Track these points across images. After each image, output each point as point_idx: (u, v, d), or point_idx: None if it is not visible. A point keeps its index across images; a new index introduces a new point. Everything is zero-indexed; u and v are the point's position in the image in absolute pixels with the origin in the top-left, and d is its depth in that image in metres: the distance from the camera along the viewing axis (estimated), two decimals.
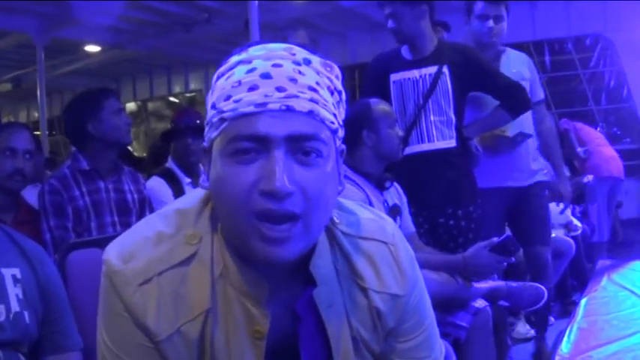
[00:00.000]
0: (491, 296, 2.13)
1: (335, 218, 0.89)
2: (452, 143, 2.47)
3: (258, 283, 0.82)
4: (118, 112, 2.33)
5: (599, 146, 5.19)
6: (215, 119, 0.80)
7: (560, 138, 4.18)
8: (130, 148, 4.92)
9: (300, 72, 0.79)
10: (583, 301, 1.84)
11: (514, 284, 2.19)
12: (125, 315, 0.81)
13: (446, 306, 1.94)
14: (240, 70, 0.79)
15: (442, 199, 2.44)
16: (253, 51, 0.81)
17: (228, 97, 0.78)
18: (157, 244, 0.83)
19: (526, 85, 2.69)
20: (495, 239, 2.01)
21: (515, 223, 2.84)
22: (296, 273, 0.85)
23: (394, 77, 2.53)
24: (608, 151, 5.19)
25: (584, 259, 4.19)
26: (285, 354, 0.87)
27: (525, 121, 2.71)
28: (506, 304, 2.19)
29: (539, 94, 2.90)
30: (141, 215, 2.34)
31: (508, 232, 2.76)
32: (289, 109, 0.77)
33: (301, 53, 0.81)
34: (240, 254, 0.82)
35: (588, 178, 4.83)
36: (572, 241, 3.68)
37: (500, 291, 2.15)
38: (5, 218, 2.10)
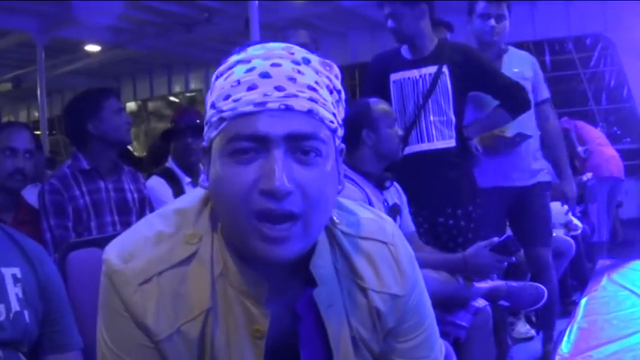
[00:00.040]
0: (491, 296, 2.13)
1: (335, 218, 0.89)
2: (451, 143, 2.47)
3: (258, 282, 0.82)
4: (118, 111, 2.33)
5: (600, 146, 5.18)
6: (214, 119, 0.80)
7: None
8: (130, 147, 4.92)
9: (299, 71, 0.79)
10: (583, 301, 1.83)
11: (514, 284, 2.19)
12: (125, 315, 0.81)
13: (446, 305, 1.94)
14: (240, 69, 0.79)
15: (442, 199, 2.44)
16: (252, 50, 0.81)
17: (227, 97, 0.78)
18: (157, 244, 0.83)
19: (527, 84, 2.68)
20: (496, 239, 2.01)
21: (516, 223, 2.84)
22: (296, 273, 0.85)
23: (394, 77, 2.53)
24: (609, 151, 5.19)
25: (584, 258, 4.18)
26: (285, 353, 0.87)
27: (525, 122, 2.69)
28: (506, 303, 2.19)
29: (544, 94, 2.88)
30: (141, 215, 2.34)
31: (509, 232, 2.76)
32: (288, 109, 0.77)
33: (300, 52, 0.81)
34: (240, 254, 0.82)
35: (587, 176, 4.83)
36: (572, 241, 3.67)
37: (501, 291, 2.14)
38: (5, 218, 2.10)
